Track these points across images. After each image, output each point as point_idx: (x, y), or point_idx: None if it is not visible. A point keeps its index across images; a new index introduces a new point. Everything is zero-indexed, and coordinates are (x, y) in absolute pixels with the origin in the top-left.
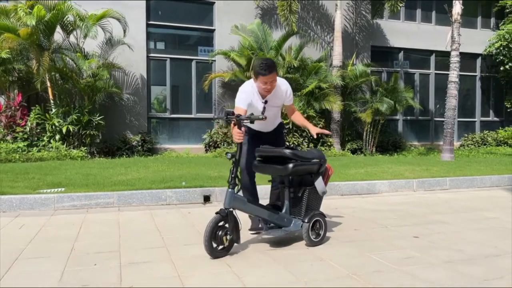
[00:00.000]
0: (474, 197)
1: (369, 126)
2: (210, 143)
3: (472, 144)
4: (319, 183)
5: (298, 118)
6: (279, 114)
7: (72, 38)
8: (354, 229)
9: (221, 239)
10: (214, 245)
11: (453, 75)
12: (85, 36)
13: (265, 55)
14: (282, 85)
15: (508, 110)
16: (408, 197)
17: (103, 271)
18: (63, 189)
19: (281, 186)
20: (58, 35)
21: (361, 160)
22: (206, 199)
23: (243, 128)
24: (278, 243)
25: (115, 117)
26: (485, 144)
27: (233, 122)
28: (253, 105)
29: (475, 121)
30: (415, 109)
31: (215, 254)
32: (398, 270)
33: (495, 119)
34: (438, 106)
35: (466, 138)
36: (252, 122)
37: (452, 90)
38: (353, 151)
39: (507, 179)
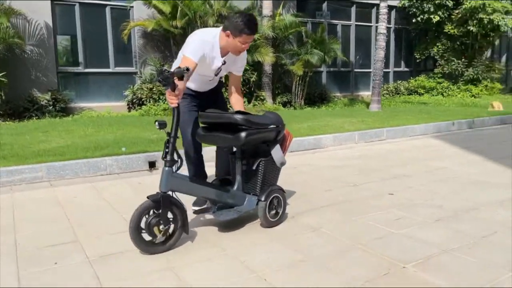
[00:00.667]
0: (413, 147)
1: (298, 78)
2: (134, 100)
3: (387, 94)
4: (276, 152)
5: (238, 103)
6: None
7: None
8: (325, 190)
9: (152, 231)
10: (147, 238)
11: (382, 26)
12: None
13: (192, 3)
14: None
15: (417, 60)
16: (354, 150)
17: (70, 272)
18: None
19: (231, 157)
20: None
21: (297, 114)
22: (152, 165)
23: (179, 88)
24: (250, 218)
25: (18, 73)
26: (398, 93)
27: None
28: (206, 61)
29: (389, 72)
30: (338, 61)
31: (149, 249)
32: (397, 234)
33: (406, 69)
34: (358, 57)
35: (382, 88)
36: (180, 78)
37: (381, 42)
38: (284, 104)
39: (432, 127)
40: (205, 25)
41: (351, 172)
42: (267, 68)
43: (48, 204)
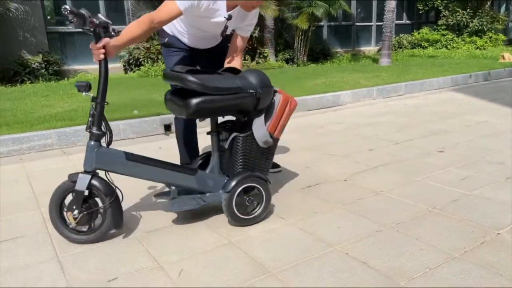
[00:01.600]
0: (438, 101)
1: (300, 34)
2: (131, 61)
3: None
4: (257, 127)
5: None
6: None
7: None
8: (368, 150)
9: (65, 217)
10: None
11: None
12: None
13: None
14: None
15: (420, 12)
16: (376, 106)
17: (119, 250)
18: None
19: (211, 132)
20: None
21: (305, 71)
22: (167, 128)
23: (104, 41)
24: (298, 182)
25: (4, 34)
26: (400, 48)
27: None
28: (201, 13)
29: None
30: (339, 14)
31: (66, 234)
32: (471, 196)
33: (408, 22)
34: (359, 10)
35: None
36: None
37: None
38: (286, 61)
39: (450, 80)
40: None
41: (386, 129)
42: (270, 22)
43: (66, 174)
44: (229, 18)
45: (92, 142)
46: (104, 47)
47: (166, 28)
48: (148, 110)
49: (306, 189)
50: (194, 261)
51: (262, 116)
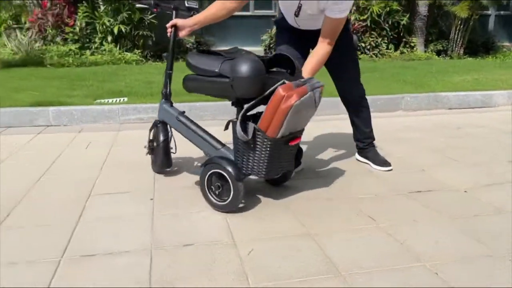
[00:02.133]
0: None
1: (458, 23)
2: (271, 45)
3: None
4: (237, 121)
5: (313, 58)
6: None
7: None
8: (508, 161)
9: None
10: None
11: None
12: None
13: None
14: None
15: None
16: None
17: (203, 225)
18: (125, 99)
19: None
20: None
21: (457, 65)
22: None
23: (171, 22)
24: (404, 184)
25: (167, 15)
26: None
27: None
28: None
29: None
30: (511, 3)
31: None
32: None
33: None
34: None
35: None
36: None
37: None
38: (438, 53)
39: None
40: None
41: None
42: (423, 9)
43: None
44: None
45: (162, 100)
46: (175, 26)
47: (281, 6)
48: None
49: (414, 194)
50: (265, 244)
51: (246, 107)
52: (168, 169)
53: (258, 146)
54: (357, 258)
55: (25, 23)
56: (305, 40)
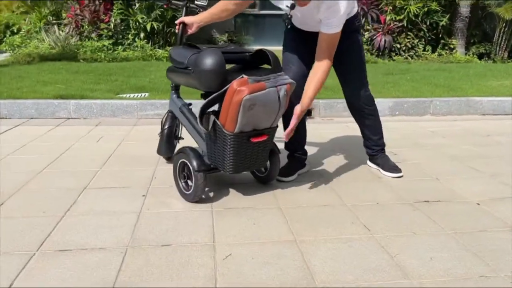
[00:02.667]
0: None
1: (503, 25)
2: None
3: None
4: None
5: (313, 77)
6: None
7: None
8: None
9: None
10: None
11: None
12: None
13: None
14: None
15: None
16: None
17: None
18: (146, 94)
19: None
20: None
21: (498, 69)
22: (308, 113)
23: (180, 19)
24: (406, 192)
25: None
26: None
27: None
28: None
29: None
30: None
31: None
32: None
33: None
34: None
35: None
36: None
37: None
38: (480, 56)
39: None
40: None
41: None
42: (464, 10)
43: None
44: (292, 7)
45: (172, 91)
46: (183, 23)
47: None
48: None
49: (420, 203)
50: (246, 249)
51: (206, 100)
52: (167, 156)
53: (219, 140)
54: (338, 270)
55: (64, 19)
56: (304, 39)
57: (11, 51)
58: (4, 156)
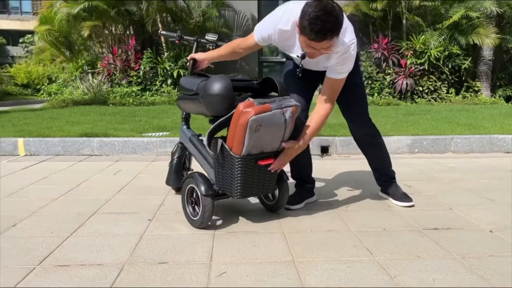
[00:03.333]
0: None
1: None
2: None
3: None
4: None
5: (315, 115)
6: None
7: None
8: None
9: None
10: None
11: None
12: None
13: None
14: (340, 45)
15: None
16: None
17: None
18: (167, 133)
19: None
20: None
21: None
22: (324, 150)
23: (191, 55)
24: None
25: (226, 62)
26: None
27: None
28: (282, 47)
29: None
30: None
31: None
32: None
33: None
34: None
35: None
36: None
37: None
38: (507, 99)
39: None
40: (410, 7)
41: None
42: (487, 53)
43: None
44: (302, 57)
45: (182, 123)
46: (194, 59)
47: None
48: None
49: (429, 231)
50: (242, 268)
51: (214, 124)
52: (176, 186)
53: (227, 163)
54: None
55: (98, 68)
56: (304, 74)
57: (48, 98)
58: (25, 186)
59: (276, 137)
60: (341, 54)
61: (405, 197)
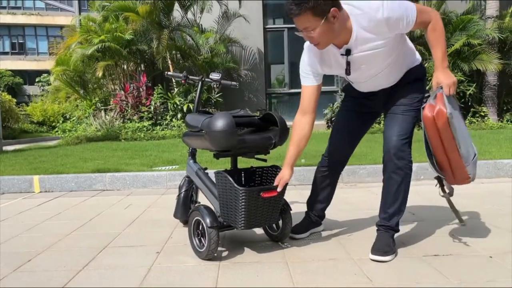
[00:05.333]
0: None
1: None
2: (332, 118)
3: None
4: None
5: (431, 36)
6: (402, 51)
7: (189, 15)
8: None
9: None
10: None
11: None
12: (202, 11)
13: None
14: (369, 8)
15: None
16: None
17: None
18: (176, 166)
19: None
20: (177, 13)
21: None
22: None
23: (289, 175)
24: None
25: (233, 94)
26: None
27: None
28: (327, 64)
29: None
30: None
31: None
32: None
33: None
34: None
35: None
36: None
37: None
38: None
39: None
40: (412, 36)
41: None
42: (491, 78)
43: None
44: (348, 52)
45: (189, 157)
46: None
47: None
48: (316, 160)
49: (429, 257)
50: None
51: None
52: (183, 219)
53: (231, 196)
54: None
55: (110, 105)
56: (361, 103)
57: (62, 135)
58: (40, 222)
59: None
60: (381, 9)
61: (385, 252)
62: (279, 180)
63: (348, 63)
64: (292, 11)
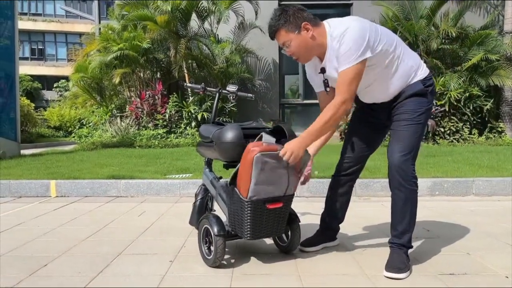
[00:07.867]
0: None
1: None
2: (346, 130)
3: None
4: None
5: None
6: (400, 69)
7: (206, 25)
8: None
9: None
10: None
11: None
12: (218, 22)
13: (414, 25)
14: (338, 33)
15: None
16: None
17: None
18: (190, 174)
19: None
20: (194, 23)
21: None
22: None
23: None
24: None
25: (247, 104)
26: None
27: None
28: (314, 79)
29: None
30: None
31: None
32: None
33: None
34: None
35: None
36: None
37: None
38: None
39: None
40: (428, 49)
41: None
42: (509, 94)
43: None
44: (323, 70)
45: (204, 166)
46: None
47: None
48: (330, 171)
49: (445, 276)
50: None
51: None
52: (196, 226)
53: (238, 206)
54: None
55: (126, 111)
56: (367, 114)
57: (78, 141)
58: (56, 227)
59: (281, 180)
60: (342, 36)
61: (399, 269)
62: (290, 154)
63: (324, 81)
64: (269, 32)
